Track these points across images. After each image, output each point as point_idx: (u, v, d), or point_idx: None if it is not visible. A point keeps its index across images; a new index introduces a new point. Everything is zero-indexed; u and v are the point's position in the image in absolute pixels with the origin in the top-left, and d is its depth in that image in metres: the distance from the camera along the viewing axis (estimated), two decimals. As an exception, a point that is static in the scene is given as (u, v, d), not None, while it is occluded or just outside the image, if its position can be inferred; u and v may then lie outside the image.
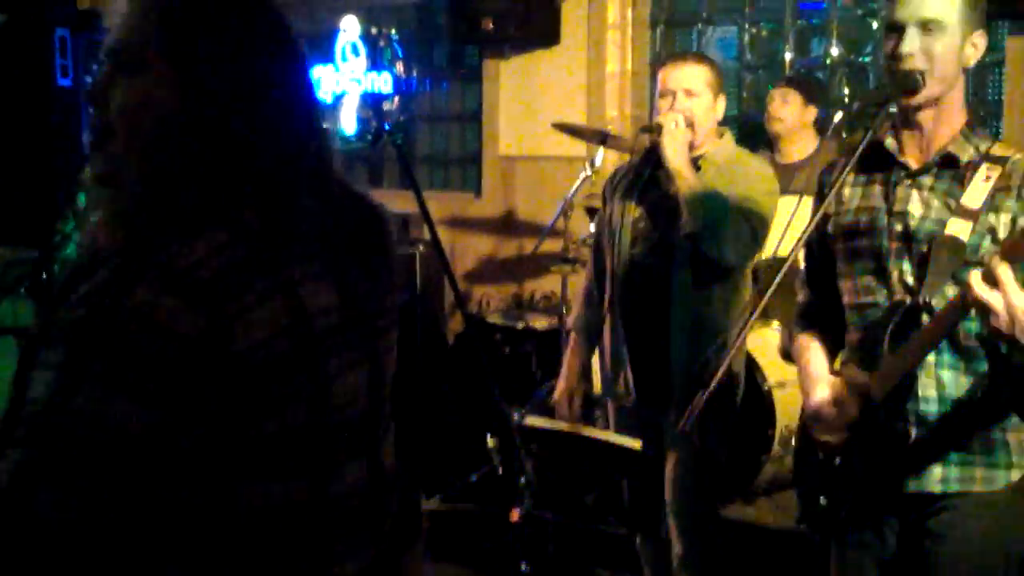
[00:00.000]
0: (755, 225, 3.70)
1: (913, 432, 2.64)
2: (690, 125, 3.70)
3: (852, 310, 2.81)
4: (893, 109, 2.72)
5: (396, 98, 7.58)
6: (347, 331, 1.51)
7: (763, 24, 6.73)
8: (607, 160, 5.77)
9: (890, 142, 2.74)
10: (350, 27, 7.49)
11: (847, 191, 2.82)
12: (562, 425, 3.37)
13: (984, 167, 2.63)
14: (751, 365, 5.00)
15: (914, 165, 2.71)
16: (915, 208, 2.68)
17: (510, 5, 6.62)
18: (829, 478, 2.82)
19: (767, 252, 4.51)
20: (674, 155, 3.64)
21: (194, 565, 1.41)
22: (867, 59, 6.39)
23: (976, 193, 2.60)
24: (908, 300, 2.64)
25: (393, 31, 7.67)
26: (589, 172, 5.68)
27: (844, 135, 5.74)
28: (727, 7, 6.81)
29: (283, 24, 1.54)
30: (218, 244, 1.36)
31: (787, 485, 5.08)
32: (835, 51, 6.46)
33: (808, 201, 4.96)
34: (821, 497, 2.85)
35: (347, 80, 7.50)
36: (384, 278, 1.62)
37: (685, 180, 3.62)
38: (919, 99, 2.63)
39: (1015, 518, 2.70)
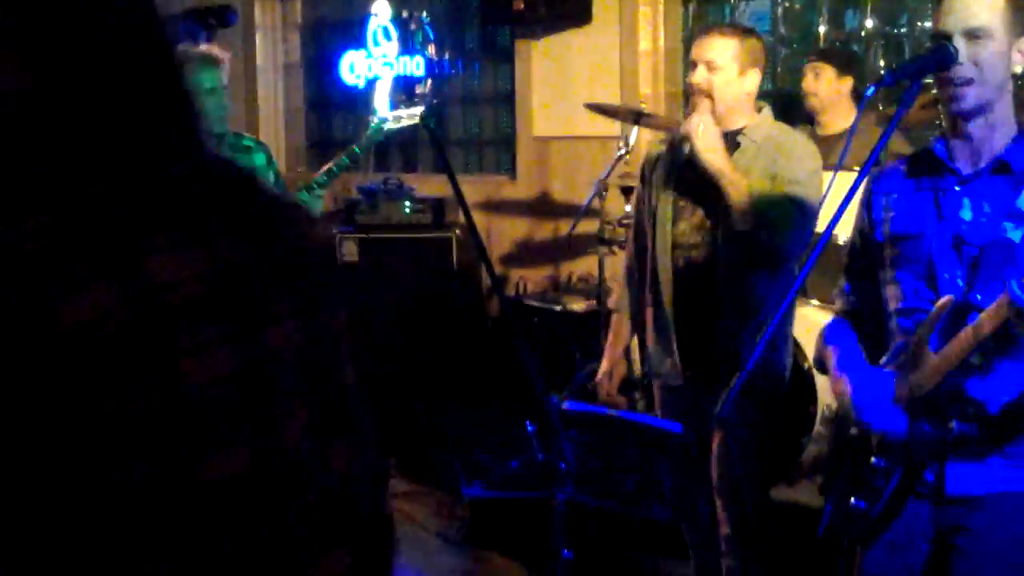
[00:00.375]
0: (806, 211, 3.65)
1: (956, 431, 2.60)
2: (709, 97, 3.70)
3: (898, 315, 2.79)
4: (929, 80, 2.70)
5: (429, 81, 7.56)
6: (212, 306, 1.39)
7: (796, -3, 6.67)
8: (641, 139, 5.72)
9: (939, 148, 2.74)
10: (382, 11, 7.47)
11: (896, 197, 2.82)
12: (602, 409, 3.36)
13: None
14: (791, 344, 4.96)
15: (965, 171, 2.69)
16: (966, 214, 2.67)
17: (540, -15, 6.59)
18: (865, 478, 2.78)
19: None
20: (711, 158, 3.62)
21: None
22: (903, 30, 6.31)
23: None
24: (956, 300, 2.61)
25: (424, 14, 7.65)
26: (624, 151, 5.64)
27: (880, 107, 5.68)
28: (760, -20, 6.75)
29: None
30: (42, 221, 1.29)
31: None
32: (869, 23, 6.38)
33: (846, 177, 4.92)
34: (852, 498, 2.81)
35: (379, 64, 7.49)
36: (278, 261, 1.50)
37: (730, 181, 3.59)
38: (968, 104, 2.61)
39: None
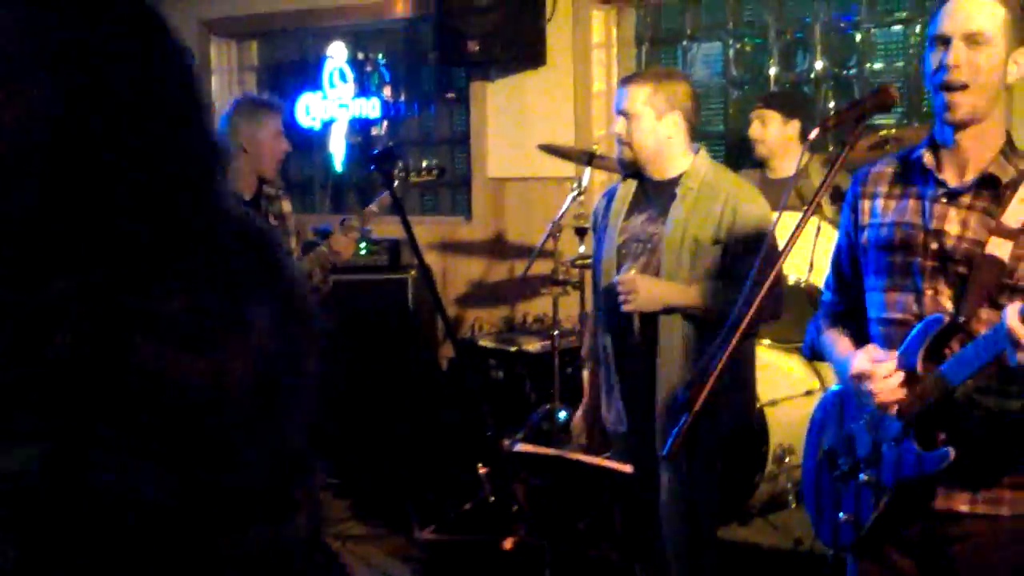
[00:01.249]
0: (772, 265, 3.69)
1: (950, 456, 2.60)
2: (628, 144, 3.85)
3: (881, 323, 2.81)
4: (883, 121, 2.74)
5: (384, 123, 7.59)
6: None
7: (747, 39, 6.74)
8: (595, 180, 5.77)
9: (928, 159, 2.75)
10: (337, 53, 7.50)
11: (882, 203, 2.82)
12: (552, 451, 3.37)
13: (1023, 188, 2.64)
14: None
15: (952, 183, 2.71)
16: (952, 227, 2.68)
17: (495, 27, 6.63)
18: (852, 493, 2.82)
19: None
20: (647, 302, 3.75)
21: None
22: (852, 72, 6.39)
23: (1016, 212, 2.61)
24: (946, 319, 2.63)
25: (380, 56, 7.68)
26: (577, 192, 5.68)
27: (830, 148, 5.75)
28: (711, 23, 6.81)
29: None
30: (180, 285, 1.24)
31: (783, 505, 5.07)
32: (819, 65, 6.47)
33: (795, 216, 4.98)
34: (841, 513, 2.85)
35: (335, 106, 7.52)
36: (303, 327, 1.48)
37: (685, 305, 3.75)
38: (961, 113, 2.63)
39: None
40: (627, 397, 3.87)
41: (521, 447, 3.17)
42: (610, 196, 4.09)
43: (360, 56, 7.62)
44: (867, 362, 2.69)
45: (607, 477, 3.01)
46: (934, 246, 2.69)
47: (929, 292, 2.69)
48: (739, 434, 4.93)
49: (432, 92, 7.85)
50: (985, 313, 2.60)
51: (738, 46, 6.75)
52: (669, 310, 3.79)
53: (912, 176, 2.79)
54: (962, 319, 2.60)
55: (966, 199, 2.69)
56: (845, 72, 6.43)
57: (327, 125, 7.54)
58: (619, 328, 3.89)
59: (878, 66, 6.34)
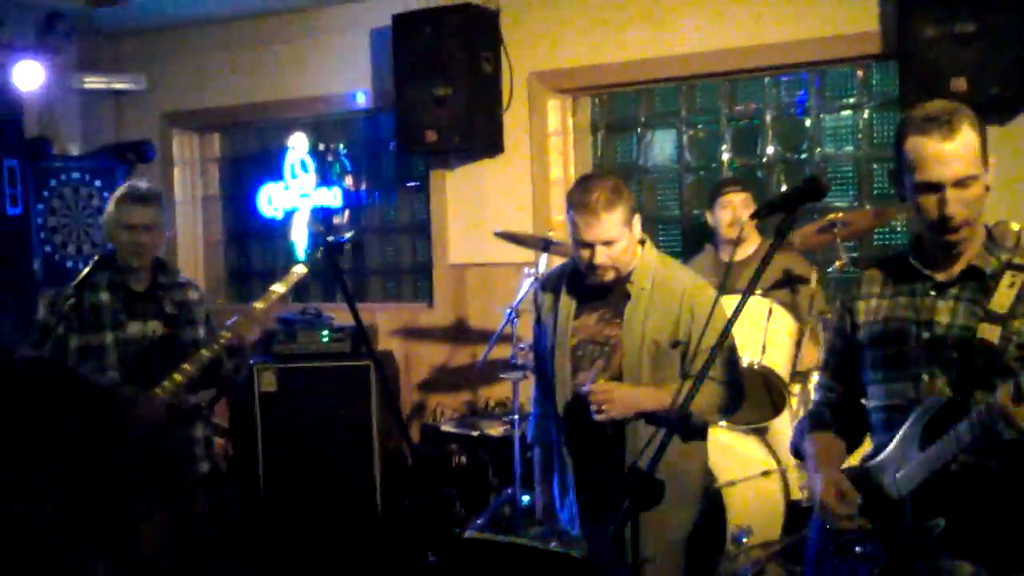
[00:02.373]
0: (730, 374, 3.78)
1: (942, 525, 2.78)
2: (613, 268, 3.75)
3: (882, 411, 2.97)
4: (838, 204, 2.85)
5: (346, 212, 7.66)
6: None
7: (700, 126, 6.87)
8: (551, 265, 5.83)
9: (916, 259, 2.94)
10: (298, 144, 7.58)
11: (875, 303, 3.02)
12: (504, 538, 3.39)
13: (1008, 274, 2.82)
14: (700, 465, 5.03)
15: (940, 278, 2.91)
16: (942, 316, 2.87)
17: (453, 117, 6.74)
18: (849, 566, 2.96)
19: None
20: (623, 412, 3.69)
21: None
22: (804, 156, 6.52)
23: (1003, 299, 2.80)
24: (942, 399, 2.80)
25: (341, 146, 7.78)
26: (534, 278, 5.75)
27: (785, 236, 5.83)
28: (664, 111, 6.95)
29: None
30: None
31: (743, 583, 5.09)
32: (771, 149, 6.60)
33: (752, 299, 5.05)
34: None
35: (297, 196, 7.58)
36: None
37: (656, 408, 3.67)
38: (963, 236, 2.82)
39: None
40: (586, 500, 3.80)
41: (474, 534, 3.19)
42: (554, 289, 4.02)
43: (321, 146, 7.71)
44: (830, 499, 2.93)
45: (559, 564, 3.04)
46: (925, 335, 2.88)
47: (925, 377, 2.87)
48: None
49: (393, 181, 7.95)
50: (980, 395, 2.74)
51: (691, 132, 6.88)
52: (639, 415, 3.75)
53: (902, 274, 2.98)
54: (958, 399, 2.78)
55: (953, 290, 2.88)
56: (797, 156, 6.56)
57: (289, 215, 7.60)
58: (581, 431, 3.81)
59: (829, 150, 6.48)
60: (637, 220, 3.82)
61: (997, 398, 2.56)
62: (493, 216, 6.98)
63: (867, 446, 3.16)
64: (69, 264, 7.55)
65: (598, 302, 3.88)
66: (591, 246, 3.72)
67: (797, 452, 3.31)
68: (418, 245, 7.86)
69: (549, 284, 4.07)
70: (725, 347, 3.77)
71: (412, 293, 7.96)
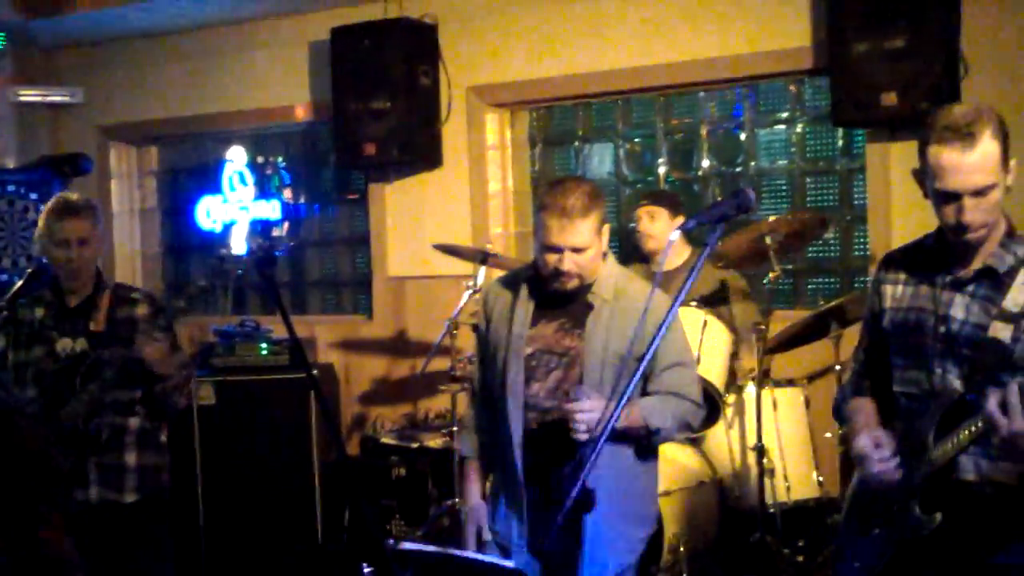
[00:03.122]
0: (693, 389, 3.72)
1: (938, 520, 2.94)
2: (578, 276, 3.60)
3: (902, 397, 3.12)
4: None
5: (285, 224, 7.66)
6: None
7: (637, 140, 6.94)
8: (489, 277, 5.87)
9: (937, 252, 3.06)
10: (237, 157, 7.57)
11: (900, 289, 3.14)
12: (439, 550, 3.38)
13: (1023, 272, 2.92)
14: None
15: (958, 272, 3.02)
16: (957, 312, 2.99)
17: (391, 131, 6.76)
18: (866, 545, 3.10)
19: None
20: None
21: None
22: (739, 169, 6.61)
23: (1017, 296, 2.90)
24: (954, 396, 2.95)
25: (280, 159, 7.78)
26: (472, 290, 5.78)
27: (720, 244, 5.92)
28: (602, 125, 7.02)
29: None
30: None
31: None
32: (706, 163, 6.68)
33: (686, 311, 5.12)
34: (856, 563, 3.14)
35: (236, 209, 7.57)
36: None
37: (635, 425, 3.54)
38: (979, 238, 2.93)
39: None
40: (536, 519, 3.64)
41: (408, 545, 3.20)
42: (512, 292, 3.82)
43: (260, 159, 7.71)
44: (868, 447, 3.05)
45: (492, 574, 3.06)
46: (942, 329, 3.00)
47: (938, 371, 3.00)
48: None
49: (332, 193, 7.96)
50: (990, 390, 2.81)
51: (628, 146, 6.95)
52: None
53: (924, 265, 3.10)
54: (968, 396, 2.91)
55: (969, 287, 2.99)
56: (732, 170, 6.64)
57: (228, 227, 7.59)
58: (536, 445, 3.65)
59: (763, 164, 6.57)
60: (607, 230, 3.68)
61: (988, 404, 2.70)
62: (432, 229, 7.01)
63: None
64: (4, 278, 7.48)
65: (558, 311, 3.70)
66: (560, 251, 3.56)
67: (839, 414, 3.46)
68: (357, 258, 7.88)
69: (505, 286, 3.87)
70: (692, 364, 3.79)
71: (352, 305, 7.97)
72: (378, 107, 6.76)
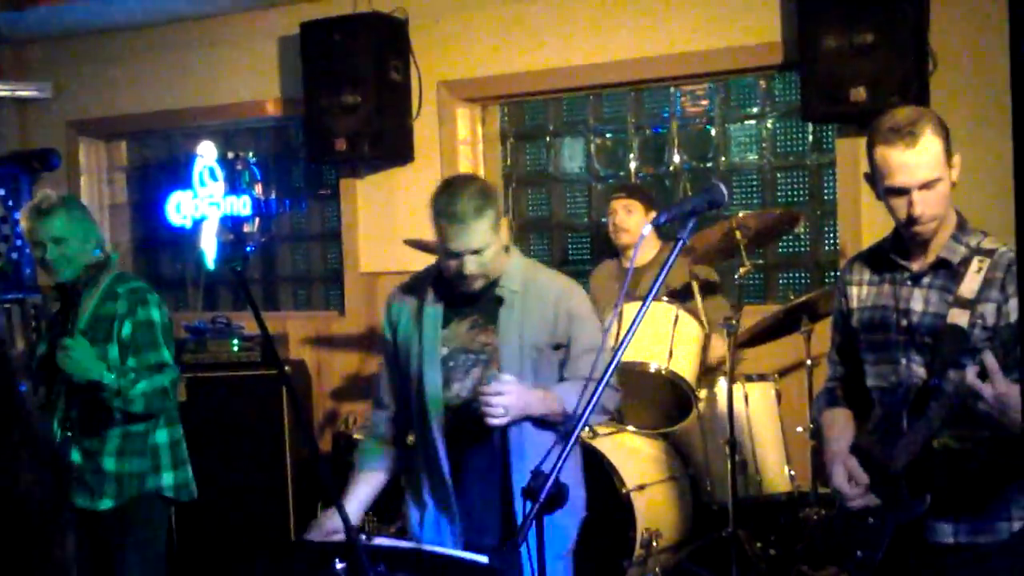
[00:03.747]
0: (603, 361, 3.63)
1: (928, 501, 3.07)
2: (483, 276, 3.56)
3: (875, 391, 3.29)
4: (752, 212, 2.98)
5: (256, 220, 7.62)
6: None
7: (608, 135, 6.95)
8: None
9: (894, 251, 3.23)
10: (207, 152, 7.52)
11: (865, 290, 3.31)
12: (410, 544, 3.39)
13: (976, 260, 3.10)
14: (608, 469, 5.09)
15: (915, 267, 3.20)
16: (917, 305, 3.17)
17: (362, 126, 6.75)
18: (864, 535, 3.22)
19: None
20: (517, 410, 3.47)
21: None
22: (710, 164, 6.62)
23: (971, 284, 3.08)
24: (919, 384, 3.12)
25: (250, 154, 7.74)
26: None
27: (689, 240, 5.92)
28: (572, 119, 7.03)
29: None
30: None
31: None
32: (677, 158, 6.69)
33: (658, 306, 5.12)
34: (858, 551, 3.24)
35: (206, 205, 7.52)
36: None
37: (552, 412, 3.53)
38: (930, 232, 3.12)
39: (1016, 560, 3.12)
40: (466, 526, 3.64)
41: (379, 540, 3.20)
42: (417, 297, 3.76)
43: (230, 155, 7.66)
44: (842, 483, 3.21)
45: (463, 569, 3.06)
46: (903, 323, 3.18)
47: (903, 361, 3.18)
48: (608, 518, 5.03)
49: (303, 189, 7.94)
50: (952, 373, 3.02)
51: (599, 141, 6.96)
52: (525, 420, 3.57)
53: (884, 265, 3.27)
54: (933, 382, 3.08)
55: (926, 280, 3.17)
56: (702, 165, 6.66)
57: (198, 223, 7.54)
58: (462, 450, 3.62)
59: (734, 159, 6.59)
60: (504, 224, 3.66)
61: (967, 377, 2.82)
62: (404, 224, 6.99)
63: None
64: (-26, 274, 7.43)
65: (468, 309, 3.66)
66: (459, 255, 3.52)
67: (816, 427, 3.66)
68: (329, 253, 7.86)
69: (408, 292, 3.82)
70: (607, 349, 3.68)
71: (323, 301, 7.95)
72: (349, 102, 6.75)
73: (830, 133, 6.19)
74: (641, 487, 5.16)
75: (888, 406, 3.22)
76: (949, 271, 3.14)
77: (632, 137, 6.84)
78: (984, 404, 2.81)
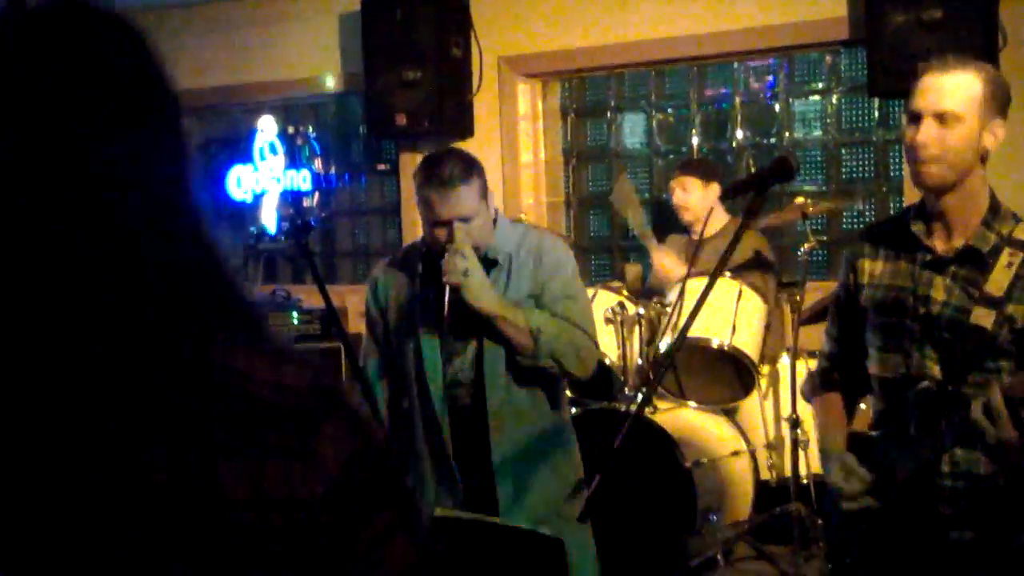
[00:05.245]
0: (586, 325, 3.57)
1: (937, 504, 2.82)
2: (476, 248, 3.45)
3: (877, 380, 2.97)
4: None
5: (316, 194, 7.65)
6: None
7: (670, 111, 6.90)
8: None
9: (917, 225, 2.87)
10: (267, 127, 7.56)
11: (880, 266, 2.96)
12: (472, 517, 3.36)
13: (1006, 252, 2.76)
14: (671, 444, 5.07)
15: (939, 249, 2.84)
16: (937, 294, 2.83)
17: (423, 101, 6.74)
18: (856, 540, 2.98)
19: (675, 332, 4.57)
20: (484, 303, 3.39)
21: None
22: (773, 140, 6.57)
23: (999, 279, 2.74)
24: (935, 387, 2.78)
25: (311, 129, 7.76)
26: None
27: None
28: (634, 95, 6.99)
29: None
30: None
31: (712, 565, 5.14)
32: (740, 134, 6.64)
33: (721, 281, 5.09)
34: (847, 559, 3.04)
35: (266, 179, 7.56)
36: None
37: (507, 322, 3.41)
38: (931, 182, 2.76)
39: None
40: (469, 497, 3.61)
41: (440, 512, 3.20)
42: (407, 271, 3.71)
43: (291, 129, 7.69)
44: (840, 478, 2.90)
45: (527, 542, 3.05)
46: (921, 311, 2.84)
47: (916, 355, 2.85)
48: (669, 493, 5.01)
49: (363, 164, 7.96)
50: (972, 377, 2.75)
51: (661, 117, 6.92)
52: (494, 371, 3.52)
53: (904, 240, 2.91)
54: (951, 387, 2.76)
55: (951, 268, 2.83)
56: (766, 141, 6.60)
57: (258, 197, 7.58)
58: (457, 419, 3.59)
59: (798, 135, 6.53)
60: (492, 197, 3.59)
61: (972, 412, 2.56)
62: (463, 199, 6.98)
63: (867, 409, 3.23)
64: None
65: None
66: (447, 223, 3.41)
67: (808, 399, 3.38)
68: (388, 228, 7.87)
69: (397, 268, 3.75)
70: (583, 300, 3.64)
71: (383, 276, 7.95)
72: (409, 78, 6.74)
73: (897, 109, 6.11)
74: (701, 463, 5.14)
75: (894, 401, 2.92)
76: (977, 261, 2.80)
77: (695, 113, 6.79)
78: (984, 444, 2.62)
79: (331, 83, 7.54)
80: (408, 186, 7.31)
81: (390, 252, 7.67)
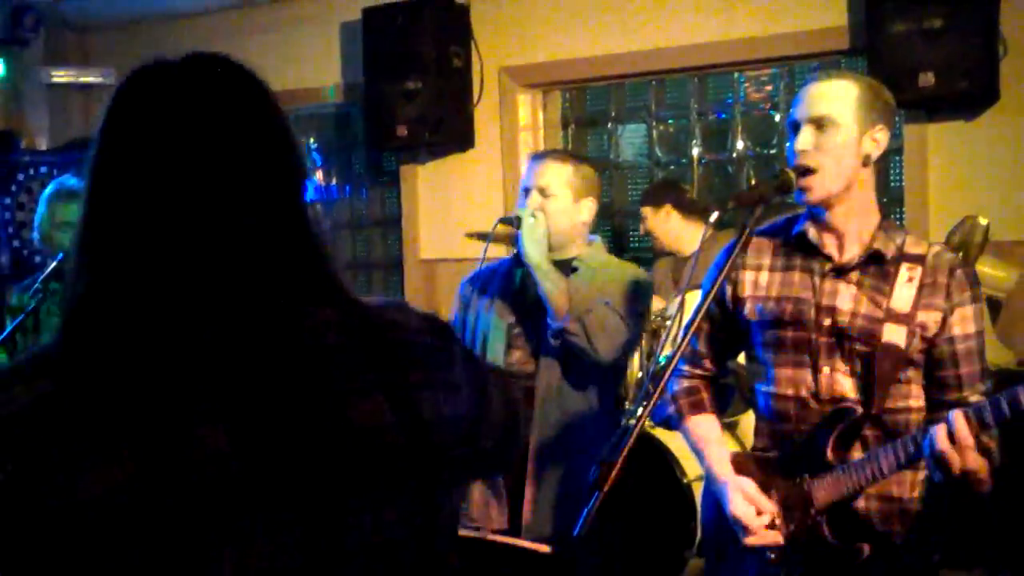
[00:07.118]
0: (626, 318, 3.59)
1: (866, 552, 2.68)
2: (553, 239, 3.60)
3: (772, 397, 2.82)
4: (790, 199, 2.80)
5: (317, 206, 7.64)
6: (245, 487, 1.31)
7: (670, 121, 6.88)
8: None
9: (812, 233, 2.80)
10: (267, 138, 7.55)
11: (766, 276, 2.85)
12: (469, 531, 3.36)
13: (904, 267, 2.70)
14: (669, 459, 5.04)
15: (838, 258, 2.77)
16: (844, 303, 2.74)
17: (423, 112, 6.72)
18: (754, 567, 2.84)
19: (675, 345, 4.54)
20: (532, 249, 3.53)
21: None
22: (774, 151, 6.54)
23: (903, 295, 2.67)
24: (857, 410, 2.69)
25: (311, 140, 7.75)
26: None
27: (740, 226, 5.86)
28: (634, 106, 6.97)
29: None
30: (41, 392, 1.29)
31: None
32: (740, 145, 6.61)
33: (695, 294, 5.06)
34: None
35: (267, 190, 7.54)
36: (328, 418, 1.41)
37: (546, 274, 3.51)
38: (815, 195, 2.69)
39: None
40: (514, 499, 3.67)
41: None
42: (485, 281, 3.88)
43: (291, 140, 7.67)
44: (745, 509, 2.77)
45: (528, 558, 3.02)
46: (827, 322, 2.74)
47: (825, 369, 2.74)
48: (669, 509, 4.98)
49: (363, 175, 7.94)
50: (889, 399, 2.68)
51: (661, 128, 6.89)
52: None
53: (796, 249, 2.84)
54: (873, 411, 2.67)
55: (854, 275, 2.76)
56: (766, 152, 6.58)
57: (259, 209, 7.56)
58: None
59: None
60: (590, 206, 3.69)
61: (936, 442, 2.45)
62: (464, 210, 6.97)
63: (743, 424, 3.13)
64: (38, 259, 7.49)
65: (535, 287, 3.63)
66: (528, 191, 3.67)
67: (671, 426, 3.16)
68: (389, 240, 7.85)
69: (481, 277, 3.94)
70: (625, 298, 3.66)
71: (383, 288, 7.94)
72: (409, 88, 6.72)
73: (898, 120, 6.08)
74: (702, 477, 5.10)
75: (801, 421, 2.76)
76: (881, 268, 2.73)
77: (695, 123, 6.77)
78: (947, 473, 2.46)
79: (335, 96, 7.52)
80: (410, 197, 7.32)
81: (389, 264, 7.72)
